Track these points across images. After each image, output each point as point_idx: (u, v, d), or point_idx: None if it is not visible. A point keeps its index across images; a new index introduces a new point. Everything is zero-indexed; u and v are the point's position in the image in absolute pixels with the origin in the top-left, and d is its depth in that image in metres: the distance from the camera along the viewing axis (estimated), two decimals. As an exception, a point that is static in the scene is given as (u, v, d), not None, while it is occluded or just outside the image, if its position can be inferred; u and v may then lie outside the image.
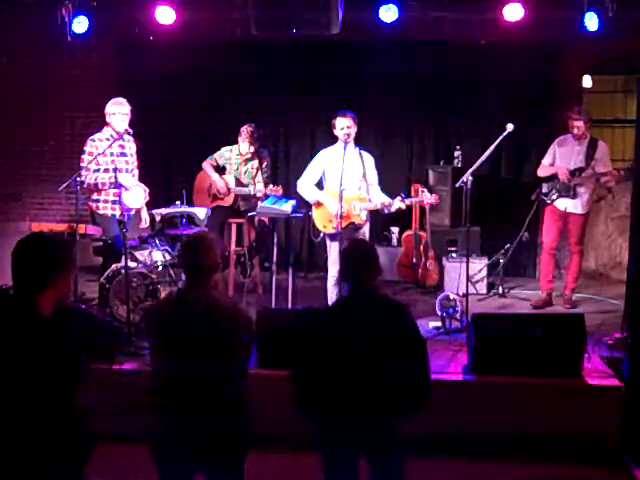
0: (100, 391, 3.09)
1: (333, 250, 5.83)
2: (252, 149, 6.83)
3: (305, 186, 5.93)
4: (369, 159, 5.97)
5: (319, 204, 5.86)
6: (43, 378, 2.47)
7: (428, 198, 5.89)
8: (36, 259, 2.55)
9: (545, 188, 6.56)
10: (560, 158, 6.54)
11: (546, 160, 6.64)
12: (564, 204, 6.46)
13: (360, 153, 5.93)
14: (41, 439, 2.46)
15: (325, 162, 5.91)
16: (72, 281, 2.72)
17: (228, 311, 3.18)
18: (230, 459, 3.16)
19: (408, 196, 5.97)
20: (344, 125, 5.77)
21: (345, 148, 5.73)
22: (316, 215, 5.90)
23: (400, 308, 3.27)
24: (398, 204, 5.75)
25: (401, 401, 3.13)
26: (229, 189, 6.85)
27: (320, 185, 5.97)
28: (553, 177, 6.51)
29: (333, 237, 5.81)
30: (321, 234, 5.96)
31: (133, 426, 4.06)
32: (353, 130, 5.78)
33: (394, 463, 3.24)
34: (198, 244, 3.24)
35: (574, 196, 6.40)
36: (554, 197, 6.49)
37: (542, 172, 6.64)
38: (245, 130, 6.80)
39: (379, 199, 5.85)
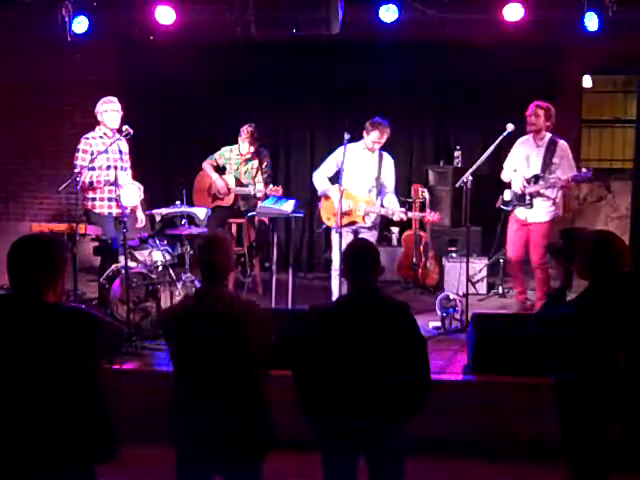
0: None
1: (335, 243, 5.92)
2: (252, 149, 6.84)
3: (318, 177, 6.07)
4: (388, 163, 6.06)
5: (327, 197, 5.97)
6: (51, 377, 2.47)
7: (432, 216, 6.01)
8: (36, 261, 2.55)
9: (507, 195, 6.11)
10: (519, 162, 6.05)
11: (508, 163, 6.18)
12: (524, 213, 6.02)
13: (380, 155, 6.02)
14: (50, 437, 2.47)
15: (342, 157, 5.89)
16: (64, 280, 2.69)
17: (247, 309, 3.16)
18: (250, 460, 3.15)
19: (409, 197, 6.13)
20: (377, 141, 5.91)
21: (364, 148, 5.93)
22: (323, 206, 6.05)
23: (401, 308, 3.26)
24: (400, 215, 5.86)
25: (401, 401, 3.13)
26: (229, 189, 6.86)
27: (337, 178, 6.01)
28: None
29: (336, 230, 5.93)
30: (323, 225, 6.09)
31: (136, 427, 4.07)
32: (382, 144, 5.96)
33: (393, 463, 3.24)
34: (213, 244, 3.22)
35: (530, 206, 5.93)
36: (512, 205, 6.05)
37: (504, 176, 6.18)
38: (245, 130, 6.80)
39: (390, 205, 5.94)
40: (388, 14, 6.31)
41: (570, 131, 7.93)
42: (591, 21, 6.13)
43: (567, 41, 7.23)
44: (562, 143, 5.94)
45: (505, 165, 6.20)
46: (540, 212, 5.96)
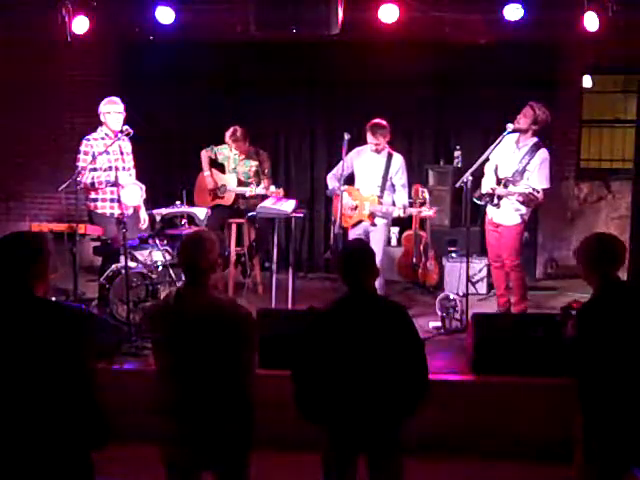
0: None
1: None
2: (234, 147, 6.86)
3: (330, 177, 6.35)
4: (396, 162, 6.21)
5: (337, 196, 6.16)
6: (44, 369, 2.48)
7: (428, 211, 6.21)
8: (26, 257, 2.58)
9: (483, 189, 5.91)
10: (499, 158, 5.84)
11: (493, 156, 5.86)
12: (491, 213, 5.93)
13: (389, 155, 6.20)
14: (44, 426, 2.48)
15: (353, 160, 6.24)
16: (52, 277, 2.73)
17: (228, 308, 3.16)
18: (237, 457, 3.16)
19: (409, 197, 6.36)
20: (372, 142, 6.13)
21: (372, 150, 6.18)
22: (334, 206, 6.26)
23: (398, 310, 3.26)
24: (397, 212, 6.09)
25: (399, 402, 3.14)
26: (217, 188, 6.89)
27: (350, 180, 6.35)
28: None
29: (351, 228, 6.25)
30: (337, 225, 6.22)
31: (137, 427, 4.08)
32: (382, 144, 6.13)
33: (393, 463, 3.24)
34: (196, 244, 3.19)
35: (497, 206, 5.78)
36: (485, 202, 5.89)
37: (486, 169, 5.96)
38: (226, 135, 6.84)
39: (397, 203, 6.16)
40: (388, 14, 6.30)
41: (570, 131, 7.95)
42: (591, 21, 6.13)
43: (567, 41, 7.22)
44: (542, 152, 5.68)
45: (491, 157, 5.85)
46: (507, 215, 5.81)
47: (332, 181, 6.31)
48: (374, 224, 6.16)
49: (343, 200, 6.08)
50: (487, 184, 5.88)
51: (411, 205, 6.59)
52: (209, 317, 3.07)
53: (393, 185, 6.23)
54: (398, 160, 6.23)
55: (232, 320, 3.12)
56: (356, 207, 6.18)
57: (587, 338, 3.18)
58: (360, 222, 6.19)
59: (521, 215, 5.81)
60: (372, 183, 6.18)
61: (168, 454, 3.14)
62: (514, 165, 5.75)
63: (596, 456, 3.19)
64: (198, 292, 3.11)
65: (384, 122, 6.14)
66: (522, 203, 5.65)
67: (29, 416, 2.47)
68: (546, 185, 5.65)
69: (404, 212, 6.09)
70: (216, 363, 3.07)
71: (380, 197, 6.15)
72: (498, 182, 5.81)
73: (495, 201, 5.79)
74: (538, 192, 5.52)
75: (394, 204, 6.19)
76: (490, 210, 5.95)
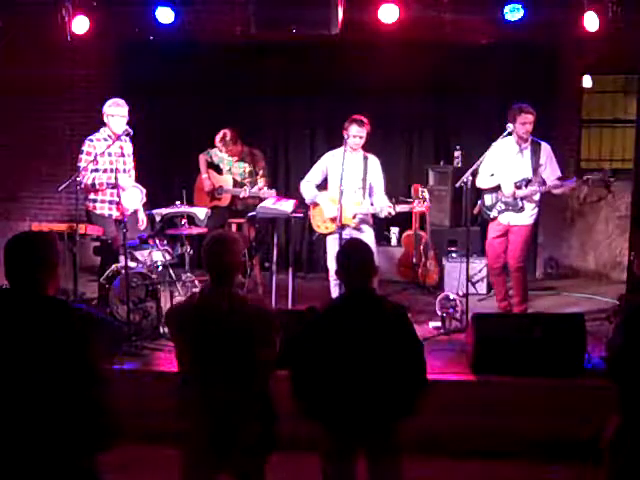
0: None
1: (331, 249, 5.86)
2: (224, 151, 6.84)
3: (305, 185, 5.97)
4: (374, 164, 5.93)
5: (316, 204, 5.91)
6: (51, 368, 2.48)
7: (420, 206, 5.90)
8: (34, 257, 2.57)
9: (488, 200, 5.94)
10: (502, 167, 5.87)
11: (486, 169, 5.89)
12: (507, 218, 5.90)
13: (365, 157, 5.90)
14: (49, 426, 2.48)
15: (328, 164, 5.93)
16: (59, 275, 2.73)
17: (254, 308, 3.14)
18: (256, 458, 3.15)
19: (409, 197, 6.33)
20: (357, 134, 5.75)
21: (345, 151, 5.76)
22: (313, 214, 5.98)
23: (397, 310, 3.26)
24: (387, 210, 5.75)
25: (397, 400, 3.14)
26: (215, 190, 6.89)
27: (324, 187, 5.99)
28: (496, 187, 5.90)
29: (330, 235, 5.88)
30: (316, 233, 6.04)
31: (137, 428, 4.07)
32: (364, 139, 5.80)
33: (392, 461, 3.24)
34: (221, 244, 3.17)
35: (520, 210, 5.83)
36: (498, 211, 5.90)
37: (483, 183, 5.94)
38: (217, 138, 6.84)
39: (378, 205, 5.82)
40: (388, 14, 6.31)
41: (570, 131, 7.95)
42: (591, 21, 6.13)
43: (567, 41, 7.23)
44: (545, 145, 5.87)
45: (481, 170, 5.87)
46: (524, 215, 5.88)
47: (310, 190, 5.92)
48: (357, 227, 5.86)
49: (323, 209, 5.82)
50: (506, 190, 5.84)
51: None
52: (236, 316, 3.05)
53: (370, 187, 5.92)
54: (376, 162, 5.93)
55: (258, 319, 3.10)
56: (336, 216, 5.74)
57: (635, 342, 3.14)
58: (342, 227, 5.76)
59: (535, 215, 5.93)
60: (352, 184, 5.83)
61: (189, 456, 3.12)
62: (527, 165, 5.81)
63: (631, 459, 3.17)
64: (223, 292, 3.09)
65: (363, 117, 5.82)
66: (557, 193, 5.85)
67: (35, 416, 2.47)
68: (560, 173, 5.86)
69: (394, 209, 5.76)
70: (240, 363, 3.05)
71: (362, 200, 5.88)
72: (517, 187, 5.81)
73: (520, 204, 5.82)
74: (555, 184, 5.76)
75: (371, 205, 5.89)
76: (505, 216, 5.89)
